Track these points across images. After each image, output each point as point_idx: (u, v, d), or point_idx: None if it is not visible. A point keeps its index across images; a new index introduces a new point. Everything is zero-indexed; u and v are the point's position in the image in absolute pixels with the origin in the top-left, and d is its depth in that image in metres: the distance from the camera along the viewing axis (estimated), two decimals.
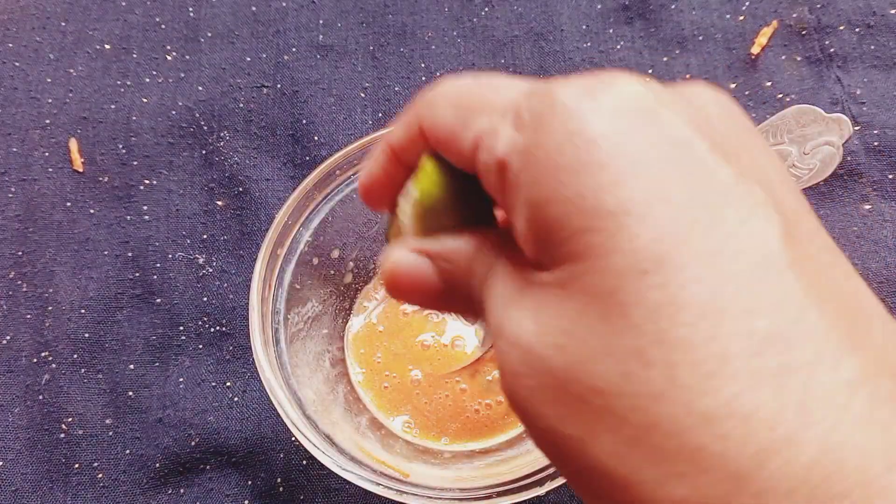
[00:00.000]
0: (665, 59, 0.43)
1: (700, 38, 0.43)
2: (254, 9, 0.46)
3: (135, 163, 0.43)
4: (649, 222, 0.13)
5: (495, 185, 0.16)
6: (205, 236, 0.41)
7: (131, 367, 0.39)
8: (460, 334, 0.37)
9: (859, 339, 0.13)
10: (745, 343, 0.12)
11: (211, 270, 0.40)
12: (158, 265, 0.40)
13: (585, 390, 0.13)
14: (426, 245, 0.19)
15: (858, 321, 0.13)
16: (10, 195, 0.42)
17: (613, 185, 0.13)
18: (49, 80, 0.45)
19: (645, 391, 0.12)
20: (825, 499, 0.11)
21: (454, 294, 0.19)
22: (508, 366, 0.15)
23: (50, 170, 0.43)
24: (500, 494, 0.28)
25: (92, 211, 0.42)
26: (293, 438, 0.37)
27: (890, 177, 0.39)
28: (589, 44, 0.43)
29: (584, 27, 0.44)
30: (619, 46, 0.43)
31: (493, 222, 0.19)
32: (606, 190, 0.13)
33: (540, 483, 0.28)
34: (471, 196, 0.19)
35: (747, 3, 0.43)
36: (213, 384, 0.38)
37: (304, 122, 0.43)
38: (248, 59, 0.44)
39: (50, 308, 0.40)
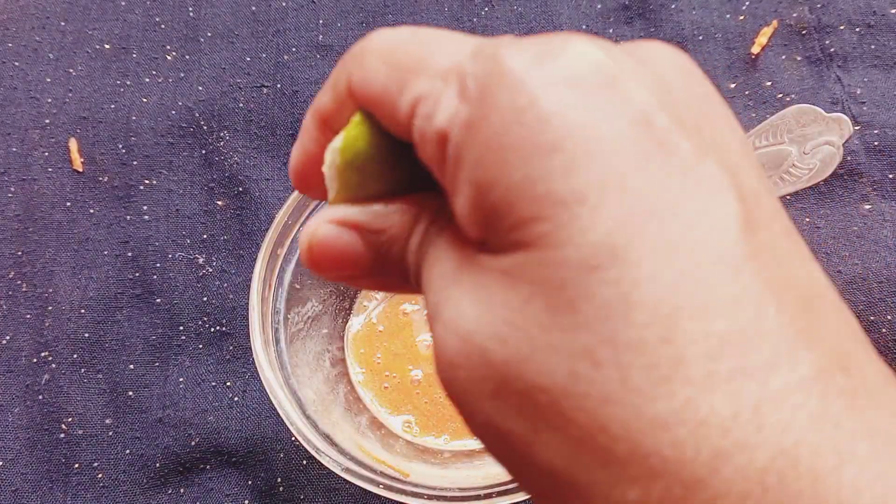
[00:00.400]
0: None
1: (700, 37, 0.43)
2: (254, 9, 0.46)
3: (135, 163, 0.43)
4: (603, 212, 0.12)
5: (433, 157, 0.15)
6: (205, 236, 0.41)
7: (131, 366, 0.39)
8: None
9: (815, 332, 0.12)
10: (701, 346, 0.12)
11: (211, 270, 0.40)
12: (158, 265, 0.40)
13: (529, 387, 0.12)
14: (351, 215, 0.17)
15: (814, 312, 0.13)
16: (10, 195, 0.42)
17: (566, 171, 0.12)
18: (49, 80, 0.45)
19: (593, 393, 0.12)
20: (777, 502, 0.11)
21: (387, 269, 0.17)
22: (445, 353, 0.14)
23: (50, 169, 0.43)
24: (500, 494, 0.28)
25: (92, 211, 0.42)
26: (293, 438, 0.37)
27: (890, 176, 0.39)
28: None
29: (583, 27, 0.44)
30: None
31: (432, 186, 0.16)
32: (558, 176, 0.12)
33: None
34: (405, 159, 0.16)
35: (747, 3, 0.43)
36: (213, 384, 0.38)
37: None
38: (248, 58, 0.44)
39: (50, 308, 0.40)
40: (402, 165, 0.17)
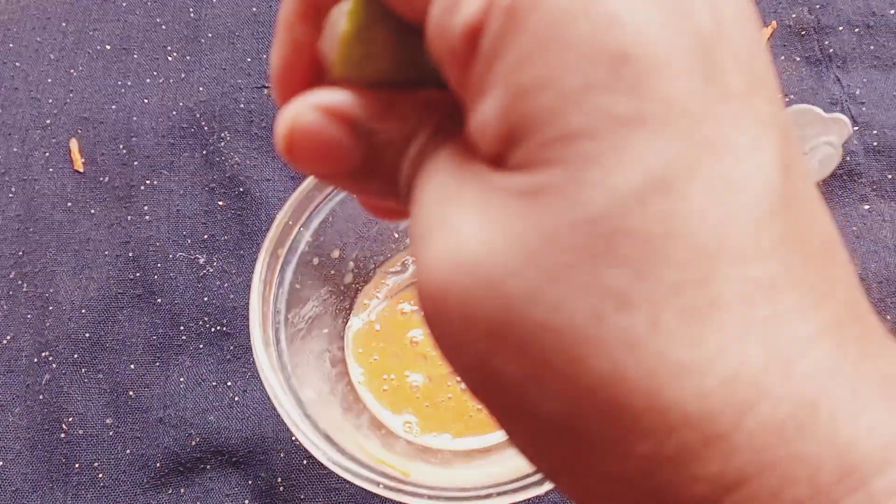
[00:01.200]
0: None
1: None
2: (254, 10, 0.46)
3: (135, 163, 0.43)
4: (662, 139, 0.11)
5: (452, 53, 0.12)
6: (205, 236, 0.41)
7: (132, 366, 0.39)
8: None
9: (833, 281, 0.12)
10: (738, 291, 0.11)
11: (211, 270, 0.40)
12: (159, 265, 0.40)
13: (538, 327, 0.11)
14: (344, 104, 0.14)
15: (831, 261, 0.12)
16: (11, 195, 0.42)
17: (632, 85, 0.11)
18: (50, 81, 0.45)
19: (616, 337, 0.11)
20: (794, 454, 0.11)
21: (375, 173, 0.15)
22: (435, 281, 0.12)
23: (50, 170, 0.43)
24: (500, 494, 0.28)
25: (93, 211, 0.42)
26: (293, 438, 0.37)
27: (889, 177, 0.39)
28: None
29: None
30: None
31: (439, 84, 0.14)
32: (624, 88, 0.11)
33: (540, 483, 0.28)
34: (415, 46, 0.14)
35: None
36: (214, 384, 0.38)
37: None
38: (249, 59, 0.45)
39: (50, 308, 0.40)
40: (412, 52, 0.14)
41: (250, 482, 0.37)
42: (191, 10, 0.46)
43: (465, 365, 0.12)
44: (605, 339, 0.11)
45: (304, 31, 0.15)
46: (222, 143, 0.43)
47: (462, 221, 0.12)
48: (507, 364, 0.11)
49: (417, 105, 0.14)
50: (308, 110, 0.14)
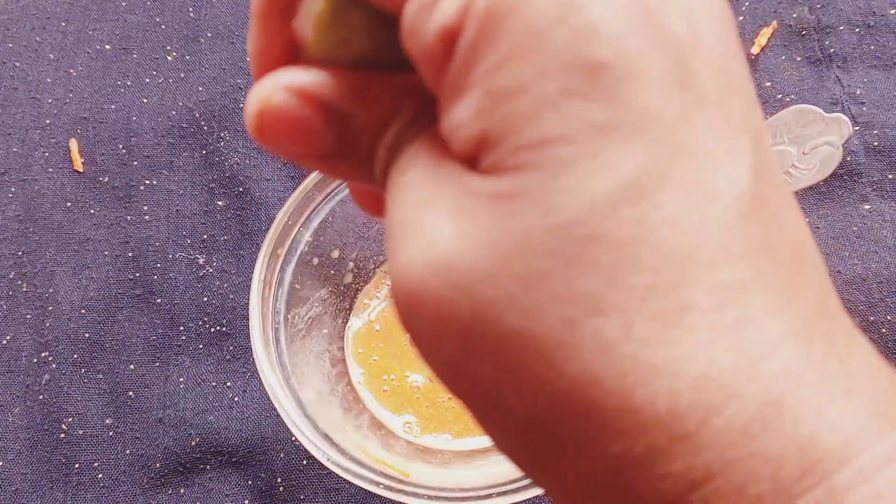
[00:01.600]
0: None
1: None
2: None
3: (135, 163, 0.43)
4: (637, 145, 0.11)
5: (430, 55, 0.12)
6: (205, 236, 0.41)
7: (131, 367, 0.39)
8: None
9: (803, 281, 0.12)
10: (708, 294, 0.11)
11: (211, 270, 0.40)
12: (159, 265, 0.40)
13: (510, 332, 0.11)
14: (316, 86, 0.14)
15: (802, 261, 0.12)
16: (10, 195, 0.42)
17: (609, 93, 0.11)
18: (49, 81, 0.45)
19: (589, 342, 0.11)
20: (757, 452, 0.11)
21: (349, 156, 0.14)
22: (408, 281, 0.12)
23: (50, 170, 0.43)
24: (500, 494, 0.28)
25: (92, 211, 0.42)
26: (293, 438, 0.37)
27: (890, 177, 0.39)
28: None
29: None
30: None
31: (409, 68, 0.13)
32: (600, 96, 0.11)
33: None
34: (391, 28, 0.13)
35: (747, 3, 0.43)
36: (214, 384, 0.38)
37: None
38: (249, 59, 0.44)
39: (50, 308, 0.40)
40: (389, 34, 0.13)
41: (250, 482, 0.36)
42: (190, 9, 0.46)
43: (439, 364, 0.12)
44: (578, 344, 0.11)
45: (280, 10, 0.14)
46: (222, 143, 0.43)
47: (436, 222, 0.12)
48: (481, 365, 0.12)
49: (394, 90, 0.14)
50: (279, 90, 0.14)
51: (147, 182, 0.42)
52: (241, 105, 0.43)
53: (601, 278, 0.11)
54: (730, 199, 0.11)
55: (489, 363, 0.12)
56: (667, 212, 0.11)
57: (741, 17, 0.43)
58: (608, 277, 0.11)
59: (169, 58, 0.45)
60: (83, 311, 0.40)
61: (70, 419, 0.38)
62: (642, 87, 0.11)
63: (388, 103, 0.14)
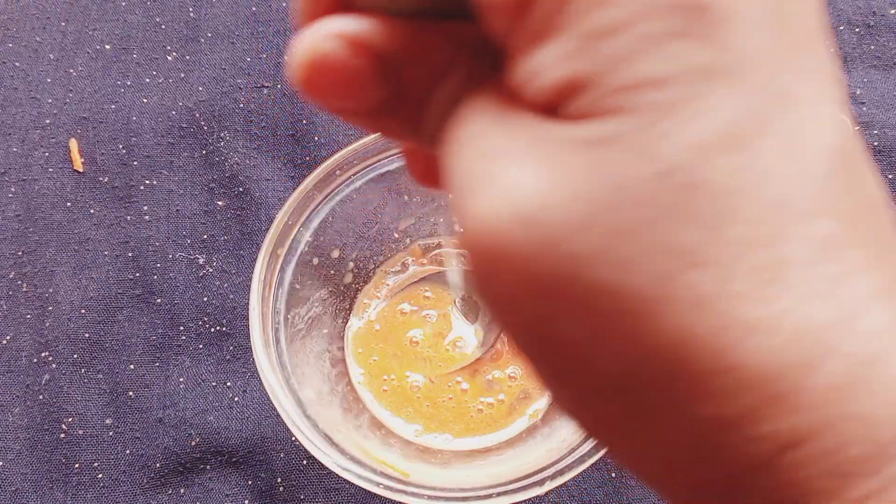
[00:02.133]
0: None
1: None
2: (254, 9, 0.46)
3: (135, 163, 0.43)
4: (746, 88, 0.10)
5: (507, 2, 0.11)
6: (205, 236, 0.41)
7: (131, 367, 0.39)
8: (461, 335, 0.37)
9: (886, 241, 0.12)
10: (806, 249, 0.10)
11: (211, 270, 0.40)
12: (159, 265, 0.40)
13: (602, 286, 0.11)
14: (369, 34, 0.13)
15: (882, 220, 0.12)
16: (11, 195, 0.42)
17: (715, 35, 0.10)
18: (49, 81, 0.45)
19: (686, 296, 0.10)
20: (853, 413, 0.10)
21: (397, 110, 0.14)
22: (489, 235, 0.11)
23: (50, 170, 0.43)
24: (500, 494, 0.28)
25: (92, 211, 0.42)
26: (293, 438, 0.37)
27: (890, 177, 0.39)
28: None
29: None
30: None
31: (463, 19, 0.13)
32: (707, 37, 0.10)
33: (540, 483, 0.28)
34: None
35: None
36: (214, 384, 0.38)
37: (305, 122, 0.43)
38: (249, 59, 0.45)
39: (50, 308, 0.40)
40: None
41: (250, 482, 0.36)
42: (190, 9, 0.46)
43: (520, 324, 0.12)
44: (673, 298, 0.10)
45: None
46: (222, 143, 0.43)
47: (515, 173, 0.11)
48: (567, 324, 0.11)
49: (449, 41, 0.13)
50: (329, 39, 0.13)
51: (147, 182, 0.42)
52: (241, 105, 0.43)
53: (700, 230, 0.10)
54: (824, 150, 0.11)
55: (577, 321, 0.11)
56: (766, 161, 0.10)
57: None
58: (707, 229, 0.10)
59: (169, 58, 0.45)
60: (83, 311, 0.40)
61: (70, 419, 0.38)
62: (743, 29, 0.10)
63: (443, 54, 0.13)
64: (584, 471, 0.28)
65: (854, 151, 0.12)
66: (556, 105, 0.11)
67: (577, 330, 0.11)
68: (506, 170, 0.11)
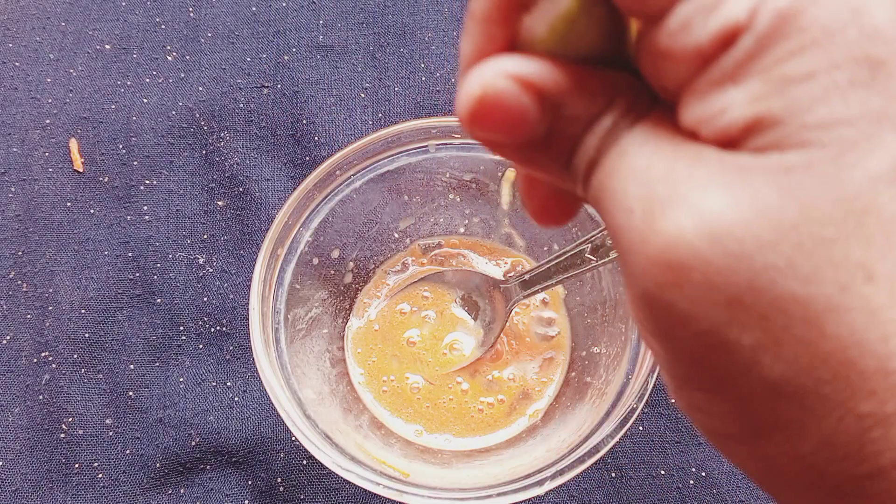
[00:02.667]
0: None
1: None
2: (254, 9, 0.46)
3: (135, 163, 0.43)
4: None
5: (699, 49, 0.13)
6: (205, 236, 0.41)
7: (131, 367, 0.39)
8: (458, 336, 0.37)
9: None
10: None
11: (211, 270, 0.40)
12: (159, 265, 0.40)
13: (784, 297, 0.12)
14: (540, 76, 0.14)
15: None
16: (11, 195, 0.42)
17: (888, 87, 0.12)
18: (49, 81, 0.45)
19: (860, 306, 0.12)
20: None
21: (550, 148, 0.15)
22: (678, 251, 0.13)
23: (50, 170, 0.43)
24: (500, 494, 0.28)
25: (92, 211, 0.42)
26: (293, 438, 0.37)
27: None
28: None
29: None
30: None
31: (627, 68, 0.15)
32: (882, 84, 0.12)
33: (540, 483, 0.28)
34: (620, 30, 0.14)
35: None
36: (214, 384, 0.38)
37: (305, 122, 0.43)
38: (249, 59, 0.45)
39: (50, 308, 0.40)
40: (618, 35, 0.15)
41: (250, 482, 0.36)
42: (190, 9, 0.46)
43: (695, 333, 0.13)
44: (849, 307, 0.12)
45: (512, 9, 0.15)
46: (222, 143, 0.43)
47: (703, 196, 0.13)
48: (744, 332, 0.13)
49: (609, 84, 0.15)
50: (501, 77, 0.14)
51: (147, 182, 0.42)
52: (241, 105, 0.43)
53: (874, 248, 0.12)
54: None
55: (753, 329, 0.13)
56: None
57: None
58: (880, 248, 0.12)
59: (169, 58, 0.45)
60: (83, 311, 0.40)
61: (70, 419, 0.38)
62: None
63: (604, 96, 0.14)
64: (584, 471, 0.28)
65: None
66: (739, 139, 0.13)
67: (753, 337, 0.13)
68: (695, 192, 0.13)
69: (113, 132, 0.43)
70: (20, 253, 0.41)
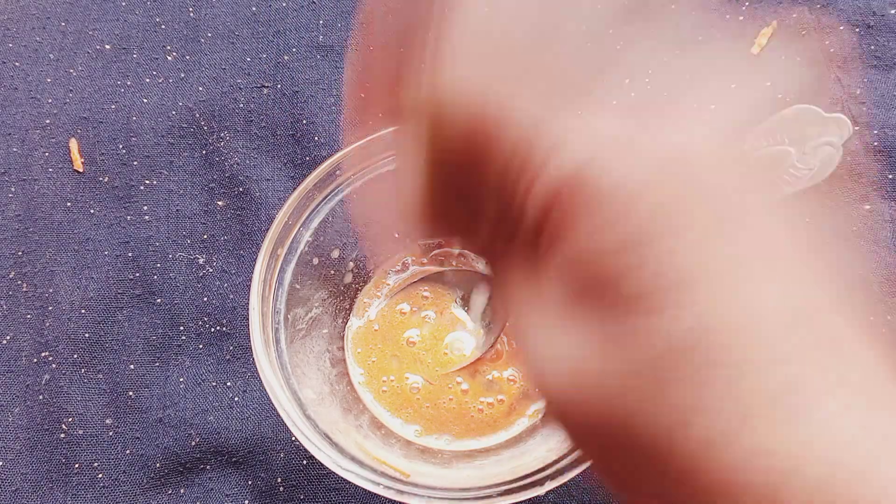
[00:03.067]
0: (665, 59, 0.43)
1: (700, 38, 0.43)
2: (254, 9, 0.46)
3: (135, 163, 0.43)
4: (709, 298, 0.15)
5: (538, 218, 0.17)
6: (205, 236, 0.41)
7: (131, 367, 0.39)
8: (458, 336, 0.37)
9: (847, 361, 0.16)
10: (767, 390, 0.14)
11: (211, 270, 0.40)
12: (159, 265, 0.40)
13: (642, 428, 0.15)
14: None
15: (843, 352, 0.16)
16: (11, 195, 0.42)
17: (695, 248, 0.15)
18: (49, 81, 0.45)
19: (696, 435, 0.14)
20: (829, 499, 0.13)
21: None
22: (554, 391, 0.16)
23: (50, 170, 0.43)
24: (500, 494, 0.28)
25: (92, 211, 0.42)
26: (293, 438, 0.37)
27: (890, 177, 0.39)
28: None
29: (583, 28, 0.44)
30: (618, 47, 0.43)
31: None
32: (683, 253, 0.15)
33: (540, 483, 0.28)
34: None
35: (747, 4, 0.43)
36: (214, 384, 0.38)
37: (305, 122, 0.43)
38: (249, 59, 0.45)
39: (50, 308, 0.40)
40: None
41: (250, 482, 0.36)
42: (190, 9, 0.46)
43: (590, 449, 0.17)
44: (688, 438, 0.14)
45: None
46: (222, 143, 0.43)
47: (559, 342, 0.16)
48: (614, 455, 0.16)
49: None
50: None
51: (147, 182, 0.42)
52: (241, 105, 0.43)
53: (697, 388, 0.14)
54: (783, 310, 0.15)
55: (620, 454, 0.15)
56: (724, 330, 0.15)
57: (741, 17, 0.43)
58: (723, 393, 0.14)
59: (169, 58, 0.45)
60: (83, 311, 0.40)
61: (70, 419, 0.38)
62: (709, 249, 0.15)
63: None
64: (584, 471, 0.28)
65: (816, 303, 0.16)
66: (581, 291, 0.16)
67: (621, 462, 0.16)
68: (548, 340, 0.16)
69: (113, 132, 0.43)
70: (20, 253, 0.41)
